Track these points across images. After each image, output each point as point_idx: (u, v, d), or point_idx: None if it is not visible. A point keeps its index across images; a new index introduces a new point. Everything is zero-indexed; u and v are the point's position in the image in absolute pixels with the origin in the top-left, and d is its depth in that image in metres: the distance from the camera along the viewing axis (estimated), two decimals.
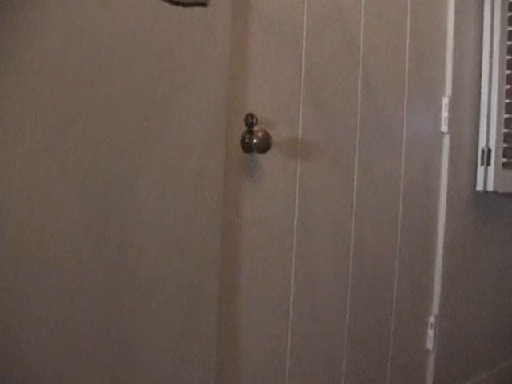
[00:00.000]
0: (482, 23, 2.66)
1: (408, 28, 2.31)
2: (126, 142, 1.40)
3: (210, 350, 1.62)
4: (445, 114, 2.52)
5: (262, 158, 1.76)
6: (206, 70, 1.55)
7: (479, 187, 2.65)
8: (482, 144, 2.66)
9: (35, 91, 1.24)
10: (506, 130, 2.66)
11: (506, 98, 2.66)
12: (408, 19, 2.31)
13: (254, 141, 1.67)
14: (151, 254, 1.47)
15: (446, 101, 2.52)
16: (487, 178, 2.64)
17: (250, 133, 1.69)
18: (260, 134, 1.66)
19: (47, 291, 1.28)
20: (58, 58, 1.27)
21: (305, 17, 1.87)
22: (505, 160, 2.66)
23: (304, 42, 1.87)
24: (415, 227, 2.43)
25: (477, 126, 2.67)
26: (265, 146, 1.67)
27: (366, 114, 2.13)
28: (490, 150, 2.64)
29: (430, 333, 2.54)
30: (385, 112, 2.24)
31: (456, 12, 2.52)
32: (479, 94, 2.67)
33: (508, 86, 2.66)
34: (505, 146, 2.66)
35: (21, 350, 1.26)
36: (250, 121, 1.68)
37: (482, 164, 2.65)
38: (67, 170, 1.30)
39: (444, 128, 2.52)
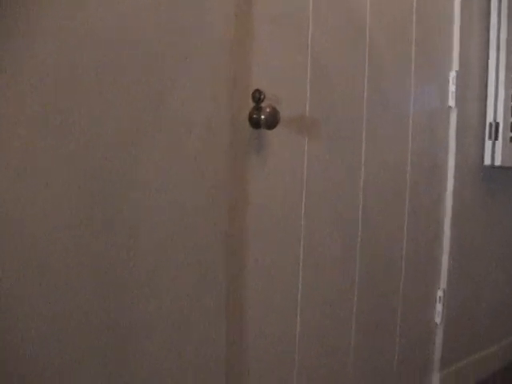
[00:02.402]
0: None
1: (415, 0, 2.31)
2: (127, 124, 1.40)
3: (219, 331, 1.64)
4: (452, 88, 2.52)
5: (271, 134, 1.76)
6: (208, 48, 1.55)
7: (487, 161, 2.66)
8: (489, 118, 2.66)
9: (36, 74, 1.24)
10: None
11: None
12: None
13: (262, 117, 1.66)
14: (155, 238, 1.47)
15: (453, 75, 2.52)
16: (495, 153, 2.64)
17: (258, 109, 1.68)
18: (268, 110, 1.66)
19: (50, 282, 1.29)
20: (60, 37, 1.28)
21: None
22: None
23: (311, 17, 1.87)
24: (423, 202, 2.44)
25: (484, 100, 2.67)
26: (273, 121, 1.67)
27: (373, 90, 2.13)
28: (497, 124, 2.64)
29: (438, 307, 2.56)
30: (391, 87, 2.24)
31: None
32: (487, 67, 2.66)
33: None
34: None
35: (29, 336, 1.28)
36: (257, 97, 1.68)
37: (489, 138, 2.65)
38: (68, 155, 1.30)
39: (451, 102, 2.52)
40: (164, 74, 1.46)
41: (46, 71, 1.26)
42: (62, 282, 1.31)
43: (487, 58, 2.66)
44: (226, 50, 1.60)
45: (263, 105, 1.68)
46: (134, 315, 1.44)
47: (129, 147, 1.40)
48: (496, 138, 2.63)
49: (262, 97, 1.67)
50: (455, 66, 2.52)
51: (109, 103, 1.36)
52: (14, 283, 1.24)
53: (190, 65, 1.51)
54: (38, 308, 1.28)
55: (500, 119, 2.63)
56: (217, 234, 1.61)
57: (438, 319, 2.56)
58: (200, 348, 1.59)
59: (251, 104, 1.69)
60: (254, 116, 1.69)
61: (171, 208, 1.49)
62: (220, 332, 1.64)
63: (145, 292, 1.46)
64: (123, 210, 1.40)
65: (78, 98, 1.31)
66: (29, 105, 1.23)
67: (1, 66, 1.20)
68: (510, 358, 2.95)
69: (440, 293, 2.56)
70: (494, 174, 2.72)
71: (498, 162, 2.63)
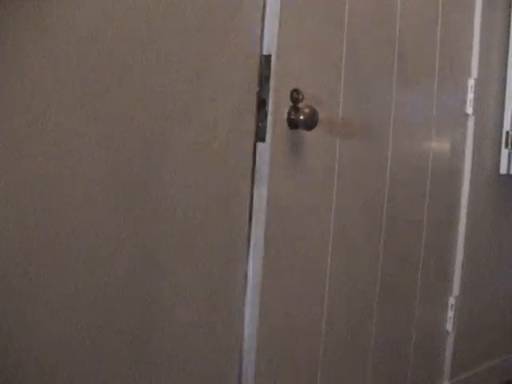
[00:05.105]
0: (511, 5, 2.64)
1: (440, 9, 2.30)
2: (157, 114, 1.40)
3: (238, 317, 1.64)
4: (470, 95, 2.51)
5: (307, 135, 1.74)
6: (236, 45, 1.55)
7: (502, 170, 2.65)
8: (506, 127, 2.65)
9: (71, 59, 1.24)
10: None
11: None
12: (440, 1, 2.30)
13: (301, 117, 1.64)
14: (179, 227, 1.48)
15: (471, 83, 2.51)
16: (511, 161, 2.63)
17: (296, 109, 1.66)
18: (307, 111, 1.64)
19: (76, 261, 1.30)
20: (94, 28, 1.27)
21: None
22: None
23: (346, 22, 1.85)
24: (439, 208, 2.43)
25: (502, 108, 2.66)
26: (311, 122, 1.65)
27: (401, 94, 2.12)
28: None
29: (450, 314, 2.54)
30: (417, 92, 2.25)
31: None
32: (505, 76, 2.65)
33: None
34: None
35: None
36: (295, 97, 1.66)
37: (506, 147, 2.64)
38: (100, 141, 1.31)
39: (469, 110, 2.51)
40: (194, 69, 1.47)
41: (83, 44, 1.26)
42: (93, 256, 1.33)
43: (506, 66, 2.65)
44: (254, 51, 1.60)
45: (301, 105, 1.66)
46: (160, 290, 1.46)
47: (160, 130, 1.41)
48: None
49: (301, 97, 1.65)
50: (474, 73, 2.51)
51: (143, 95, 1.37)
52: (49, 253, 1.26)
53: (219, 64, 1.52)
54: (67, 282, 1.29)
55: None
56: (238, 232, 1.62)
57: (449, 327, 2.55)
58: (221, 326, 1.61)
59: (289, 103, 1.67)
60: (292, 117, 1.67)
61: (196, 195, 1.51)
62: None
63: (171, 269, 1.48)
64: (151, 193, 1.41)
65: (113, 72, 1.32)
66: (63, 88, 1.23)
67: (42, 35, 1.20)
68: None
69: (452, 300, 2.55)
70: (509, 182, 2.71)
71: None
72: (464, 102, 2.51)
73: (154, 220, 1.42)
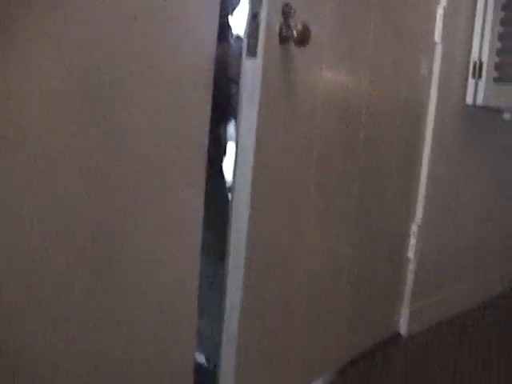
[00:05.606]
0: None
1: None
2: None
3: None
4: (439, 23, 2.49)
5: (297, 51, 1.67)
6: None
7: (469, 100, 2.65)
8: (474, 57, 2.64)
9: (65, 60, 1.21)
10: (499, 44, 2.64)
11: (502, 10, 2.63)
12: None
13: (294, 32, 1.56)
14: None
15: (440, 10, 2.48)
16: (477, 92, 2.64)
17: (287, 24, 1.58)
18: (299, 27, 1.56)
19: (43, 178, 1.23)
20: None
21: None
22: (496, 74, 2.65)
23: None
24: (406, 134, 2.43)
25: (470, 38, 2.65)
26: (303, 38, 1.57)
27: (378, 20, 2.08)
28: (481, 64, 2.63)
29: (412, 241, 2.57)
30: (392, 19, 2.21)
31: None
32: (475, 5, 2.64)
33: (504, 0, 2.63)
34: (497, 60, 2.65)
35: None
36: (287, 11, 1.57)
37: (473, 77, 2.64)
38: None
39: (437, 38, 2.49)
40: None
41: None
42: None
43: None
44: None
45: (292, 21, 1.58)
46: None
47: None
48: (479, 77, 2.63)
49: (292, 11, 1.57)
50: (443, 1, 2.49)
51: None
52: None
53: None
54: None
55: (484, 58, 2.63)
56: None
57: (411, 254, 2.58)
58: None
59: (280, 19, 1.59)
60: (283, 32, 1.58)
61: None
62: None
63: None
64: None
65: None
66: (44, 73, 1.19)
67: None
68: (484, 296, 3.01)
69: (414, 227, 2.57)
70: (475, 113, 2.72)
71: (479, 102, 2.63)
72: (432, 30, 2.48)
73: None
